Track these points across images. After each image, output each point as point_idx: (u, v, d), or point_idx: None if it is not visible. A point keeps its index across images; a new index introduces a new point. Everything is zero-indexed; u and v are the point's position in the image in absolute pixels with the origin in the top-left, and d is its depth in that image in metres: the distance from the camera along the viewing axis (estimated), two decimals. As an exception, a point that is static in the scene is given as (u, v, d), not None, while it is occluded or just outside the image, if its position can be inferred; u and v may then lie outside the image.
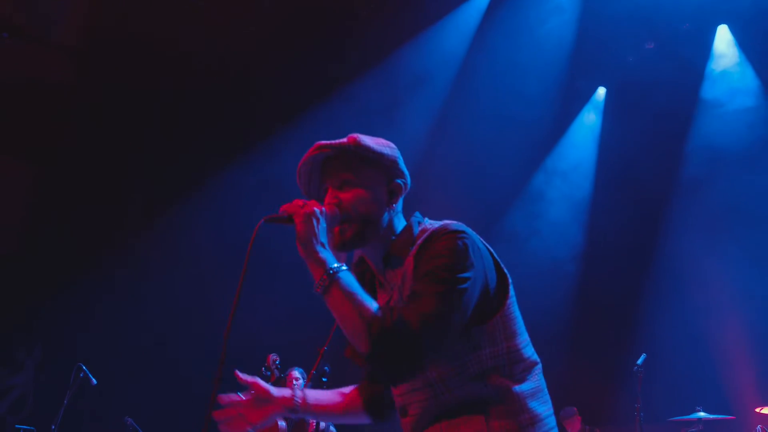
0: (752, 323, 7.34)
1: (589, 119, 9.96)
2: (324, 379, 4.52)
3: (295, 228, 1.75)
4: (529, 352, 1.81)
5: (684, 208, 8.53)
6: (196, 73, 8.02)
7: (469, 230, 1.77)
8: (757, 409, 5.89)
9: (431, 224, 1.85)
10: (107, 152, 8.08)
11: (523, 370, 1.76)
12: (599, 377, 8.35)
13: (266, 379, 5.44)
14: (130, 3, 7.47)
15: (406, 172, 1.92)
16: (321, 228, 1.75)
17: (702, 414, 5.95)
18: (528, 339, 1.83)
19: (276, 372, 5.55)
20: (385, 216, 1.85)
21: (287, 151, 7.40)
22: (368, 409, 2.06)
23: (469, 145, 8.91)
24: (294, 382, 5.78)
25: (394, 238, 1.86)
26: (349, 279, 1.70)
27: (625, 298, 8.64)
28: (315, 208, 1.75)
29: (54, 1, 7.36)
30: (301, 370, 5.93)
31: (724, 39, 8.90)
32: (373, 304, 1.67)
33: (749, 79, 8.65)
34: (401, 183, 1.89)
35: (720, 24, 8.69)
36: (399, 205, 1.91)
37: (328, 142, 1.85)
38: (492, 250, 1.84)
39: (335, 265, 1.71)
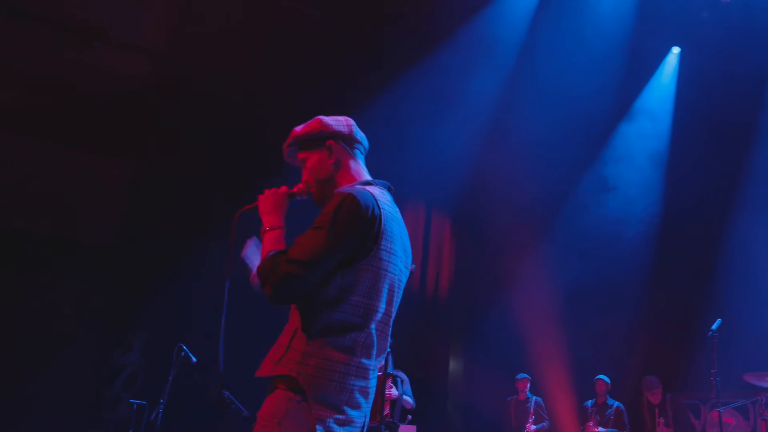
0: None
1: (664, 80, 9.71)
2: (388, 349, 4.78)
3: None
4: (357, 313, 2.08)
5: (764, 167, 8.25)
6: (276, 66, 8.33)
7: (361, 195, 2.08)
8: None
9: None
10: (192, 145, 8.61)
11: (341, 324, 2.05)
12: (675, 343, 8.28)
13: None
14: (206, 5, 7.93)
15: (342, 129, 2.35)
16: (274, 204, 2.30)
17: (778, 376, 5.91)
18: (369, 305, 2.09)
19: None
20: (331, 172, 2.32)
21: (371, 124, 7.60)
22: None
23: (540, 112, 8.88)
24: None
25: None
26: (272, 234, 2.22)
27: (701, 261, 8.47)
28: (272, 191, 2.33)
29: (139, 10, 7.88)
30: None
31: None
32: (273, 249, 2.14)
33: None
34: (333, 141, 2.33)
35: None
36: (349, 159, 2.35)
37: (285, 143, 2.41)
38: (385, 217, 2.13)
39: (271, 227, 2.23)
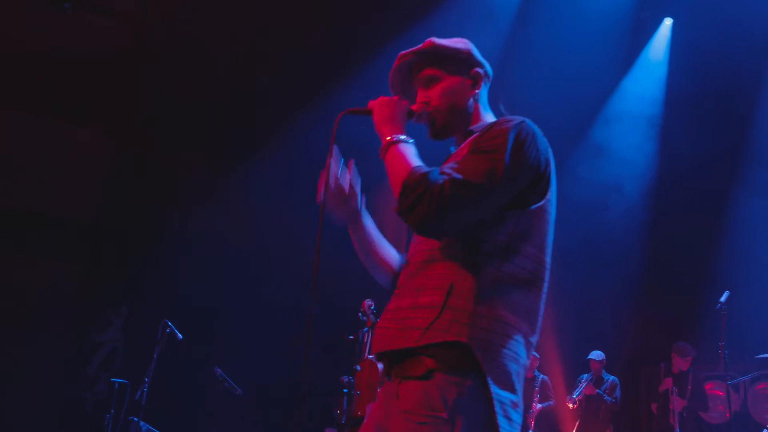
0: None
1: (655, 52, 9.55)
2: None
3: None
4: (529, 267, 1.69)
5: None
6: (256, 30, 7.96)
7: (532, 125, 1.75)
8: None
9: None
10: (173, 114, 8.21)
11: (512, 278, 1.66)
12: (679, 316, 8.19)
13: (362, 324, 5.51)
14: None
15: (485, 62, 1.99)
16: (397, 113, 1.86)
17: (790, 350, 5.83)
18: (541, 260, 1.73)
19: (372, 317, 5.49)
20: (470, 103, 1.93)
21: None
22: (394, 278, 2.00)
23: (533, 80, 8.65)
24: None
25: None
26: (406, 147, 1.78)
27: (703, 230, 8.33)
28: (390, 98, 1.90)
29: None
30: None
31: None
32: (418, 164, 1.71)
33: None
34: (480, 71, 1.95)
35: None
36: (484, 96, 1.97)
37: (408, 50, 1.95)
38: (551, 158, 1.78)
39: (399, 137, 1.80)
